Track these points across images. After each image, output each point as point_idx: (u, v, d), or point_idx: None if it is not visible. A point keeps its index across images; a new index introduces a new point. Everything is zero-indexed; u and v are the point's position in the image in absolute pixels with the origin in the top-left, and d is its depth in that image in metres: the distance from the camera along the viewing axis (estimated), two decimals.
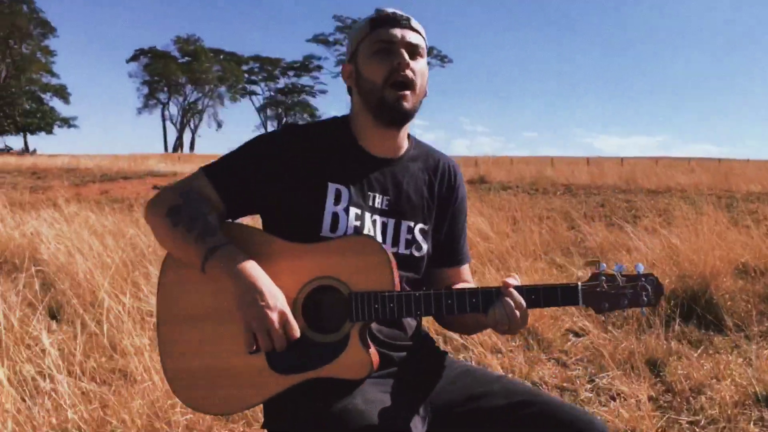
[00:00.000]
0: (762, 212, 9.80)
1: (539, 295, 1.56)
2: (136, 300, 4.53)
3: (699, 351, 4.10)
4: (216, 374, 1.59)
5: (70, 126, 75.91)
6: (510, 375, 3.63)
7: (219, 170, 1.67)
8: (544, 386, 3.54)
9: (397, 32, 1.67)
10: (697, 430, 3.00)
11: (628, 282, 1.60)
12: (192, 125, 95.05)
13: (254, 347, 1.53)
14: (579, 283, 1.58)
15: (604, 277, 1.60)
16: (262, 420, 1.72)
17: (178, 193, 1.62)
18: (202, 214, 1.58)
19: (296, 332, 1.52)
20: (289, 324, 1.51)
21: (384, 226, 1.72)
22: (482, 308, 1.57)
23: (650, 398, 3.35)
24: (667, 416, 3.11)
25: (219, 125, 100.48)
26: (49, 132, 74.36)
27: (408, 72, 1.65)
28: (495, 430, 1.60)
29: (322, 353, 1.55)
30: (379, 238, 1.70)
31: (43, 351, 3.42)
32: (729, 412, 3.09)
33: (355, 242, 1.60)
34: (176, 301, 1.62)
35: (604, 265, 1.62)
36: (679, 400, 3.34)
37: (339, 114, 1.83)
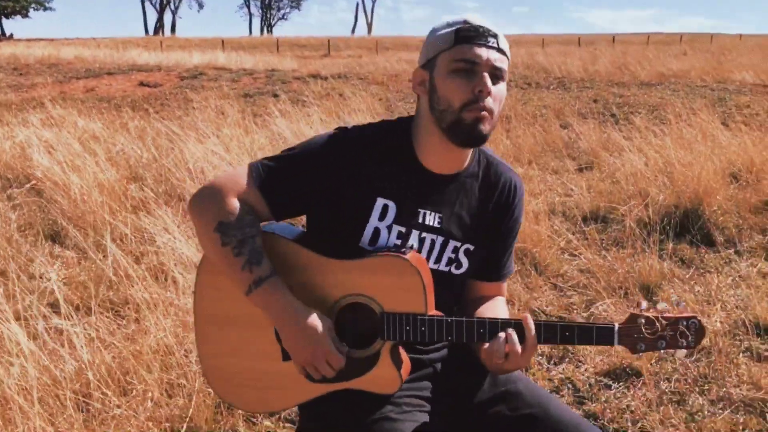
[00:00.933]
0: (754, 107, 9.78)
1: (573, 333, 1.56)
2: (137, 231, 4.57)
3: (690, 272, 4.23)
4: (250, 376, 1.67)
5: (45, 9, 73.10)
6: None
7: (268, 179, 1.61)
8: (542, 316, 3.67)
9: (483, 53, 1.53)
10: (690, 363, 3.14)
11: (669, 325, 1.56)
12: (172, 6, 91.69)
13: (305, 374, 1.62)
14: (616, 324, 1.56)
15: (642, 320, 1.56)
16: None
17: (229, 206, 1.57)
18: (250, 237, 1.57)
19: (340, 363, 1.58)
20: (333, 358, 1.57)
21: (432, 243, 1.68)
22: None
23: None
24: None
25: (200, 6, 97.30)
26: (25, 15, 71.70)
27: (488, 101, 1.54)
28: None
29: (353, 367, 1.61)
30: (424, 255, 1.68)
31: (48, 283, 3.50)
32: (720, 342, 3.23)
33: (390, 262, 1.59)
34: (213, 303, 1.67)
35: (645, 303, 1.59)
36: None
37: None
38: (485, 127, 1.55)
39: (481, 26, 1.55)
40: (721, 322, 3.51)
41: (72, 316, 2.99)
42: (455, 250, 1.71)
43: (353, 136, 1.65)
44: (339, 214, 1.64)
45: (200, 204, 1.60)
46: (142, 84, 14.30)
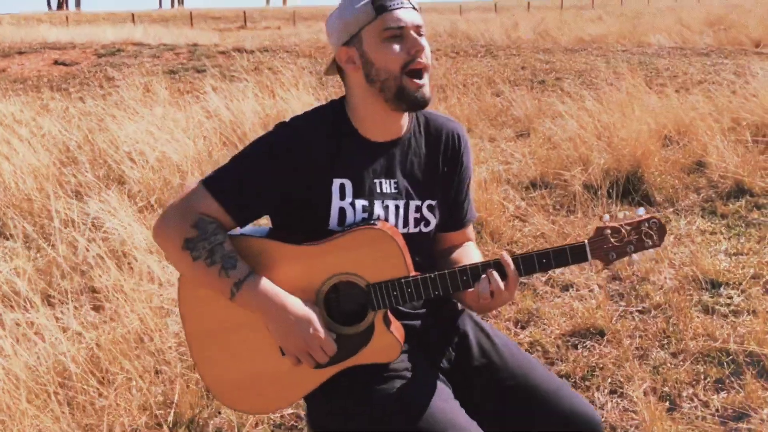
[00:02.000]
0: (673, 69, 10.16)
1: (550, 258, 1.65)
2: (83, 214, 4.43)
3: None
4: (256, 379, 1.68)
5: None
6: None
7: (224, 189, 1.64)
8: None
9: (405, 15, 1.61)
10: (648, 319, 3.31)
11: (633, 230, 1.68)
12: None
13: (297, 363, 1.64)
14: (586, 241, 1.66)
15: (608, 231, 1.67)
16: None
17: (190, 222, 1.60)
18: (218, 244, 1.59)
19: (333, 348, 1.63)
20: (326, 343, 1.61)
21: (396, 209, 1.74)
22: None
23: (599, 287, 3.65)
24: (621, 308, 3.42)
25: None
26: None
27: (423, 57, 1.64)
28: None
29: (352, 343, 1.65)
30: (392, 222, 1.73)
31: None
32: (674, 299, 3.40)
33: (364, 235, 1.64)
34: (202, 317, 1.67)
35: (607, 216, 1.70)
36: (627, 288, 3.64)
37: None
38: (427, 92, 1.66)
39: None
40: (671, 279, 3.70)
41: (39, 308, 2.92)
42: (418, 209, 1.77)
43: (294, 128, 1.69)
44: (301, 206, 1.68)
45: (163, 228, 1.63)
46: (57, 63, 13.65)
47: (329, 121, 1.71)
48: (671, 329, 3.20)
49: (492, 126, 7.60)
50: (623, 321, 3.31)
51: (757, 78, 7.72)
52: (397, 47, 1.61)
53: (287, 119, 1.73)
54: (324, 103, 1.81)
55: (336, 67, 1.75)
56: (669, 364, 2.94)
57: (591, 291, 3.63)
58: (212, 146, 6.17)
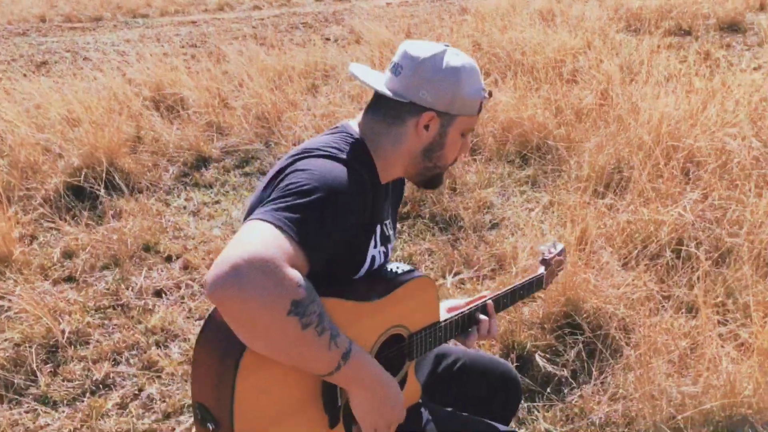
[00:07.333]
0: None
1: (524, 290, 1.99)
2: None
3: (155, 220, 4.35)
4: None
5: None
6: None
7: (309, 236, 1.31)
8: None
9: None
10: None
11: (562, 259, 2.12)
12: None
13: None
14: (543, 272, 2.03)
15: (554, 263, 2.07)
16: None
17: (294, 279, 1.23)
18: (322, 306, 1.29)
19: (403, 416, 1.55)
20: (402, 418, 1.53)
21: (384, 254, 1.69)
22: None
23: None
24: None
25: None
26: None
27: None
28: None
29: None
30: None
31: None
32: None
33: (416, 285, 1.61)
34: (263, 408, 1.36)
35: (544, 247, 2.07)
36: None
37: None
38: None
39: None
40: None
41: None
42: (393, 250, 1.78)
43: (357, 171, 1.49)
44: (346, 250, 1.51)
45: (255, 288, 1.18)
46: None
47: (366, 165, 1.57)
48: None
49: None
50: None
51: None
52: (462, 145, 1.66)
53: (332, 154, 1.49)
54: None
55: (391, 109, 1.58)
56: None
57: None
58: None
